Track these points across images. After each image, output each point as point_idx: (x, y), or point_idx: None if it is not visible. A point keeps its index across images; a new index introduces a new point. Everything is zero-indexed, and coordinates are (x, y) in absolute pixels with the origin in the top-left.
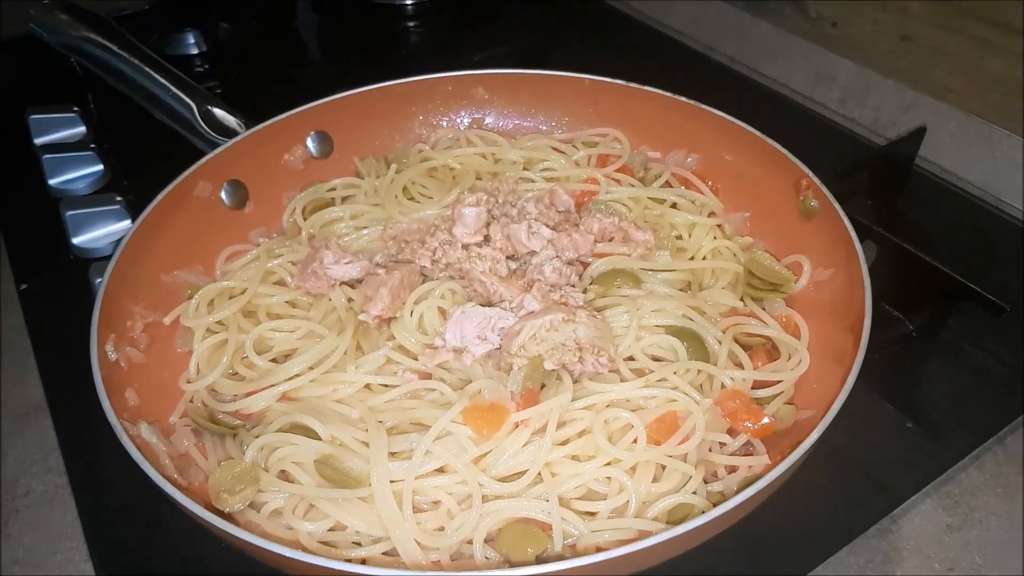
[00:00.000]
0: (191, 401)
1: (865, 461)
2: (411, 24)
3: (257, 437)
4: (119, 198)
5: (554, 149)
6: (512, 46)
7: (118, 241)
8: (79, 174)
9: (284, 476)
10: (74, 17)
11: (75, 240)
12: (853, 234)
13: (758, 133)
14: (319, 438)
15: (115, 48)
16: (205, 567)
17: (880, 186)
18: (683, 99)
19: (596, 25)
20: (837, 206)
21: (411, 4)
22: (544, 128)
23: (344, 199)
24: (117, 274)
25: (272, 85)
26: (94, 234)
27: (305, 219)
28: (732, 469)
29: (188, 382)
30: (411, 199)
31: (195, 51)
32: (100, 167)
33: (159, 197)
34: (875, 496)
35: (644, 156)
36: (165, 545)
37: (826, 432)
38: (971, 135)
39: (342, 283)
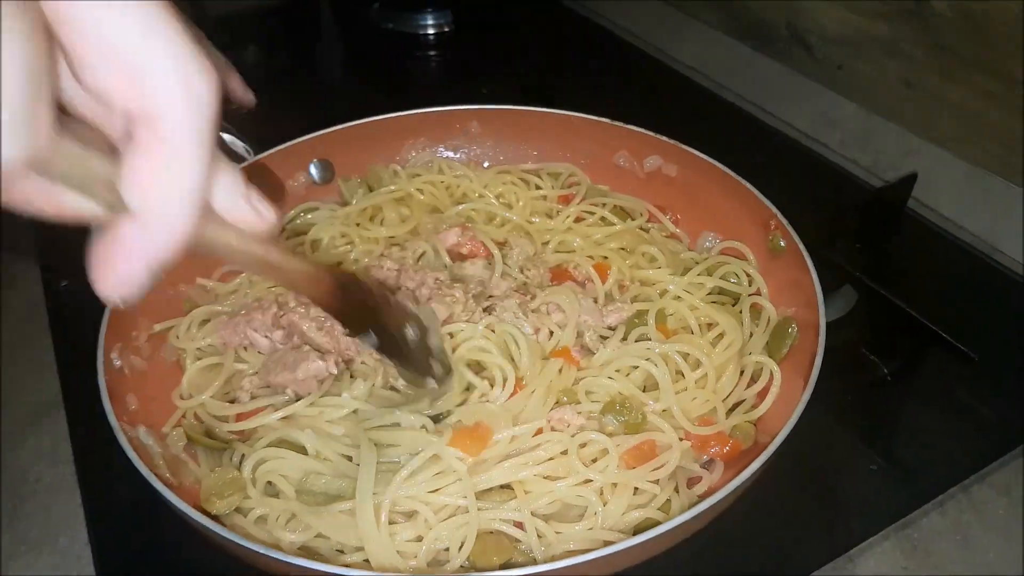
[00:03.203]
0: (184, 417)
1: (830, 499)
2: (432, 53)
3: (246, 452)
4: None
5: (521, 180)
6: (523, 79)
7: None
8: None
9: (271, 487)
10: None
11: None
12: (815, 276)
13: (731, 172)
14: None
15: None
16: (199, 562)
17: (869, 230)
18: (664, 138)
19: (611, 60)
20: (802, 248)
21: (432, 34)
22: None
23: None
24: None
25: (290, 110)
26: None
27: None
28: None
29: (181, 398)
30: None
31: None
32: None
33: None
34: (835, 534)
35: (605, 191)
36: (161, 537)
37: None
38: (971, 183)
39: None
